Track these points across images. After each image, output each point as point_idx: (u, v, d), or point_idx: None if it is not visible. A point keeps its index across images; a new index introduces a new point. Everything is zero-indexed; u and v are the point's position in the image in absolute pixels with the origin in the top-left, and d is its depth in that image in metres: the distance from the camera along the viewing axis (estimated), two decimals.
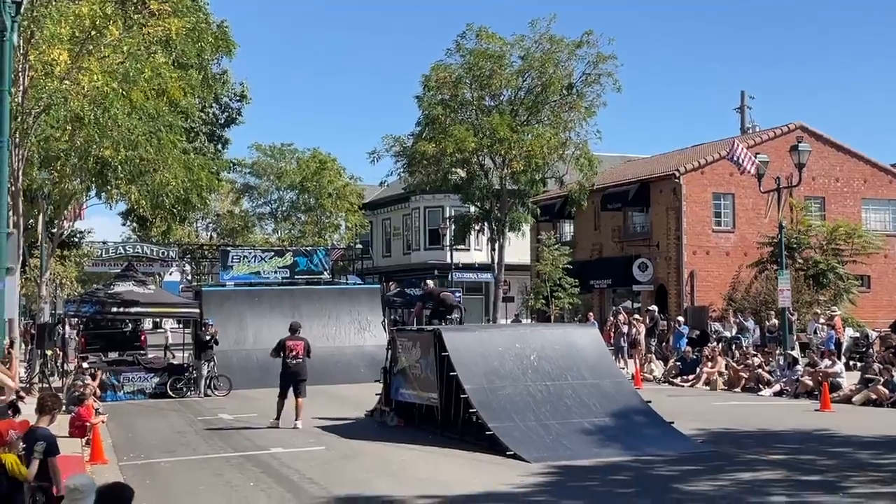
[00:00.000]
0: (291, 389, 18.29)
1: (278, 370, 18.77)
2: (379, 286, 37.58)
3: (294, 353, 18.54)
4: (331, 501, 11.34)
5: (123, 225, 62.45)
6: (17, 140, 19.13)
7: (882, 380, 21.11)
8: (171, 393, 24.90)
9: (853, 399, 21.08)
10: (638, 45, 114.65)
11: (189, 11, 21.05)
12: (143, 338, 35.77)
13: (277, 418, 18.24)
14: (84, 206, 30.14)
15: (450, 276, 50.16)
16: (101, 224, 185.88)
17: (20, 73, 17.78)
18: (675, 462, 13.53)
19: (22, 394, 14.06)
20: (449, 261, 50.42)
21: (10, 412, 11.41)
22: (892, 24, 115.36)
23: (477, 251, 53.13)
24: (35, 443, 8.29)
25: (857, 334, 30.05)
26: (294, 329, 19.16)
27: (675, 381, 27.09)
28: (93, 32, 17.22)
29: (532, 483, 12.19)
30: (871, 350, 27.37)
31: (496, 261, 40.39)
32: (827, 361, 23.21)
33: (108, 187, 24.86)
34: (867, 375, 21.92)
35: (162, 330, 55.62)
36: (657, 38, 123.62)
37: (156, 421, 20.16)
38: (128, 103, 18.77)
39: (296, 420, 18.06)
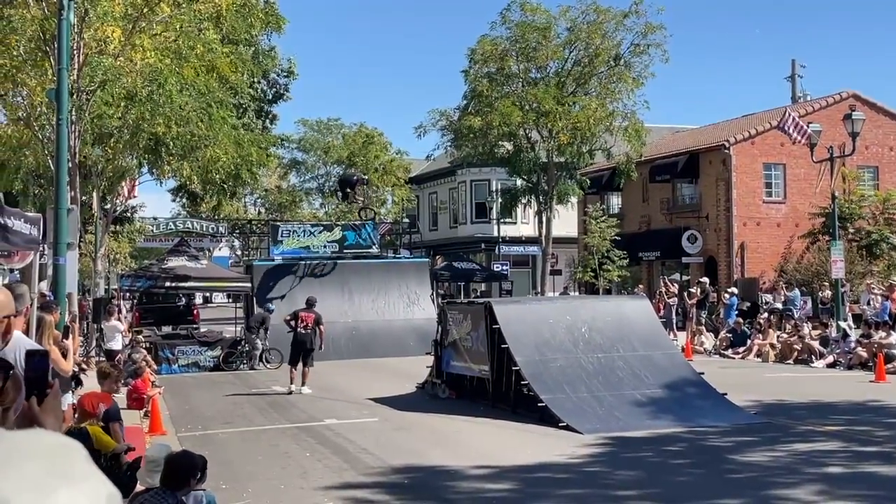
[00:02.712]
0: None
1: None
2: (427, 260, 37.67)
3: (305, 323, 20.00)
4: (387, 471, 11.48)
5: (173, 201, 63.21)
6: (73, 117, 19.44)
7: None
8: (224, 366, 25.27)
9: None
10: (687, 14, 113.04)
11: None
12: (195, 312, 36.23)
13: (291, 383, 19.58)
14: (137, 182, 30.55)
15: (497, 250, 50.18)
16: (152, 200, 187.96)
17: (75, 52, 18.01)
18: (728, 433, 13.50)
19: (84, 367, 14.37)
20: (496, 234, 50.42)
21: (73, 384, 11.67)
22: None
23: (524, 224, 53.02)
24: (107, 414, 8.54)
25: None
26: (310, 303, 20.72)
27: (726, 353, 26.94)
28: (145, 10, 17.38)
29: (586, 454, 12.24)
30: None
31: (543, 234, 40.31)
32: (881, 332, 22.93)
33: (160, 163, 25.15)
34: None
35: (213, 304, 56.30)
36: (706, 6, 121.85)
37: (211, 393, 20.49)
38: (180, 79, 18.95)
39: (301, 386, 19.42)
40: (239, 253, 63.93)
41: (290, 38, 69.73)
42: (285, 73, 40.20)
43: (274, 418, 16.46)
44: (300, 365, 19.61)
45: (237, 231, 44.50)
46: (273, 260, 30.88)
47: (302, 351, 19.75)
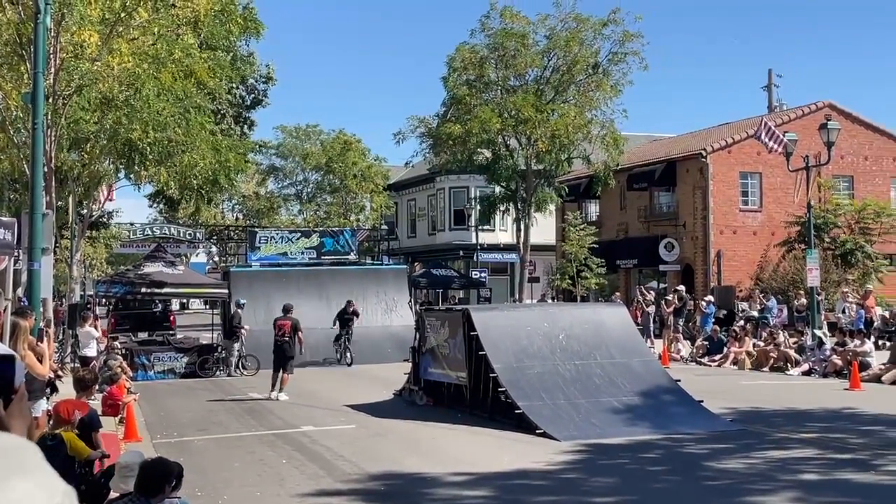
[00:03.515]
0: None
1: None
2: (405, 266, 37.68)
3: (281, 331, 20.21)
4: (364, 478, 11.44)
5: (150, 207, 62.91)
6: (49, 121, 19.30)
7: None
8: (200, 372, 25.16)
9: (882, 378, 21.00)
10: (665, 23, 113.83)
11: None
12: (172, 318, 36.08)
13: (272, 389, 19.72)
14: (113, 187, 30.37)
15: (475, 257, 50.21)
16: (129, 206, 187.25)
17: (51, 56, 17.90)
18: (704, 440, 13.55)
19: (60, 372, 14.26)
20: (474, 241, 50.45)
21: (48, 390, 11.59)
22: None
23: (502, 232, 53.10)
24: (83, 420, 8.49)
25: (886, 313, 29.87)
26: (286, 310, 20.85)
27: (702, 360, 27.07)
28: (122, 14, 17.29)
29: (563, 461, 12.25)
30: None
31: (521, 241, 40.38)
32: (856, 341, 23.10)
33: (137, 169, 25.02)
34: None
35: (189, 311, 56.03)
36: (684, 16, 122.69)
37: (187, 400, 20.39)
38: (157, 84, 18.85)
39: (278, 392, 19.55)
40: (216, 259, 63.76)
41: (269, 45, 69.76)
42: (264, 79, 40.10)
43: (251, 425, 16.39)
44: (281, 371, 19.80)
45: (215, 237, 44.39)
46: (251, 266, 30.82)
47: (280, 358, 19.97)
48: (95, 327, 21.94)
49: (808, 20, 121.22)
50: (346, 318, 27.44)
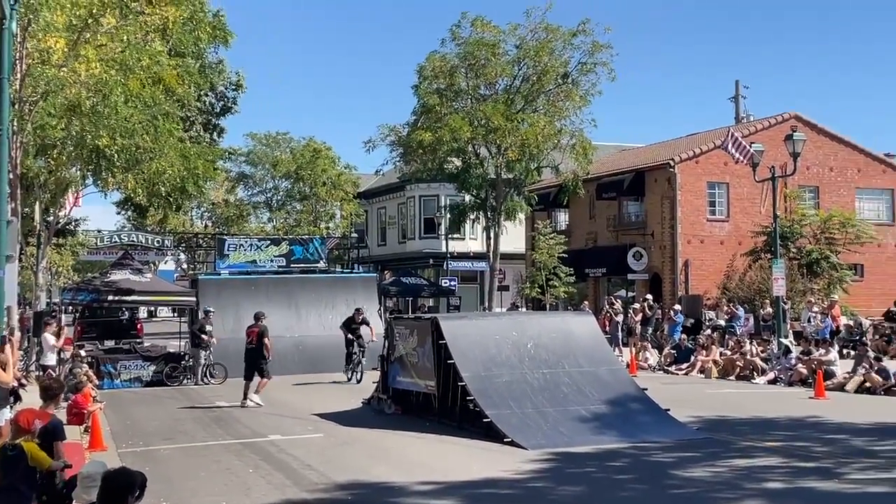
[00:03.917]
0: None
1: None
2: (375, 275, 37.64)
3: (249, 339, 20.49)
4: (330, 488, 11.41)
5: (118, 214, 62.51)
6: (15, 128, 19.14)
7: (875, 367, 21.27)
8: (167, 381, 25.00)
9: (846, 386, 21.23)
10: (633, 34, 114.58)
11: (186, 0, 21.04)
12: (139, 326, 35.79)
13: (244, 398, 19.84)
14: (80, 194, 30.14)
15: (445, 265, 50.24)
16: (96, 213, 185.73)
17: (17, 61, 17.75)
18: (671, 449, 13.64)
19: (24, 381, 14.12)
20: (444, 250, 50.51)
21: (11, 399, 11.47)
22: (886, 12, 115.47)
23: (472, 240, 53.18)
24: (46, 429, 8.40)
25: (851, 323, 30.21)
26: (256, 318, 21.04)
27: (669, 369, 27.24)
28: (89, 21, 17.18)
29: (530, 469, 12.28)
30: (864, 338, 27.53)
31: (491, 249, 40.45)
32: (821, 349, 23.34)
33: (105, 176, 24.84)
34: (860, 363, 22.05)
35: (157, 318, 55.67)
36: (652, 28, 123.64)
37: (153, 408, 20.24)
38: (125, 91, 18.74)
39: (254, 394, 19.80)
40: (185, 266, 63.34)
41: (239, 52, 69.52)
42: (233, 87, 39.96)
43: (217, 434, 16.30)
44: (255, 378, 20.01)
45: (183, 244, 44.06)
46: (219, 274, 30.67)
47: (247, 365, 20.20)
48: (59, 335, 21.72)
49: (775, 32, 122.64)
50: (353, 327, 25.68)
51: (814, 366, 22.23)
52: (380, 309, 32.34)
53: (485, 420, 14.80)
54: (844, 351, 26.85)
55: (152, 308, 54.75)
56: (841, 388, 21.29)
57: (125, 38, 17.47)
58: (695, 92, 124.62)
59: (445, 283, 46.50)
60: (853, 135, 42.96)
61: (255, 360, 20.19)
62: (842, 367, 22.96)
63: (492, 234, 40.52)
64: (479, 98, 39.23)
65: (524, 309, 42.02)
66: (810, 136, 37.10)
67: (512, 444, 13.93)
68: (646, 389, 16.62)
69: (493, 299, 41.48)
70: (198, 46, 23.30)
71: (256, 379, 20.09)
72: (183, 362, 25.76)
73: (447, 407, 16.33)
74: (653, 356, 29.27)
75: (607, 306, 32.58)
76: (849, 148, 41.51)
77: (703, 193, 39.00)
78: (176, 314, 36.43)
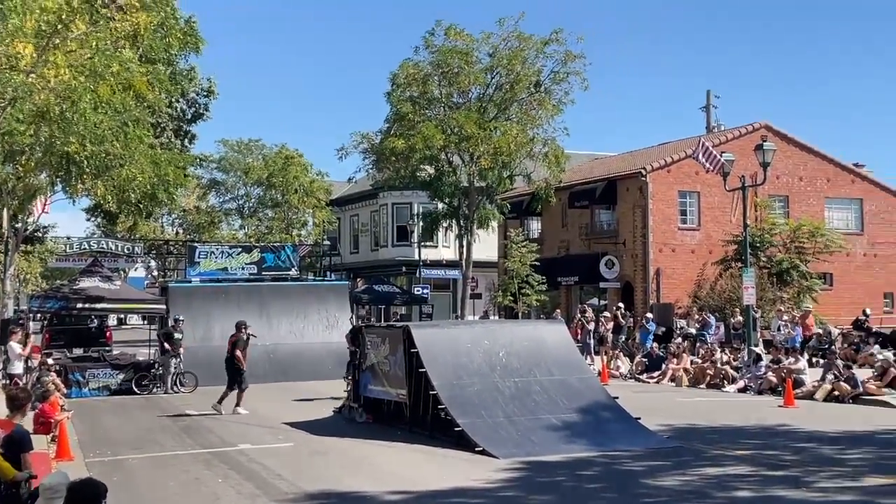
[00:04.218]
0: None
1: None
2: (347, 282, 37.56)
3: (229, 347, 20.59)
4: (300, 498, 11.34)
5: (88, 220, 61.94)
6: None
7: (844, 376, 21.43)
8: (136, 389, 24.79)
9: (816, 395, 21.36)
10: (606, 44, 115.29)
11: (157, 6, 20.90)
12: (108, 334, 35.44)
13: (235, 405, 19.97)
14: (49, 201, 29.83)
15: (417, 273, 50.19)
16: (65, 219, 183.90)
17: None
18: (641, 457, 13.67)
19: None
20: (417, 257, 50.46)
21: None
22: (855, 24, 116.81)
23: (445, 248, 53.20)
24: (11, 439, 8.27)
25: (820, 331, 30.44)
26: (236, 327, 21.07)
27: (641, 377, 27.33)
28: (59, 26, 17.01)
29: (501, 479, 12.26)
30: (833, 347, 27.75)
31: (464, 257, 40.48)
32: (790, 358, 23.50)
33: (74, 182, 24.59)
34: (829, 372, 22.22)
35: (127, 326, 55.18)
36: (624, 37, 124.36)
37: (122, 417, 20.07)
38: (95, 98, 18.57)
39: (235, 406, 19.86)
40: (155, 274, 62.91)
41: (212, 59, 69.22)
42: (205, 93, 39.74)
43: (187, 443, 16.17)
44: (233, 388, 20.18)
45: (153, 252, 43.73)
46: (190, 282, 30.49)
47: (227, 374, 20.37)
48: (25, 343, 21.47)
49: (746, 43, 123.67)
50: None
51: (783, 374, 22.38)
52: (351, 317, 32.27)
53: (456, 429, 14.78)
54: (813, 359, 27.06)
55: (122, 316, 54.34)
56: (810, 396, 21.43)
57: (94, 44, 17.30)
58: (666, 101, 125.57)
59: (418, 290, 46.46)
60: (822, 145, 43.56)
61: (229, 370, 20.28)
62: (811, 376, 23.12)
63: (464, 242, 40.57)
64: (452, 106, 39.29)
65: (495, 317, 42.05)
66: (780, 145, 37.44)
67: (483, 452, 13.91)
68: (617, 398, 16.65)
69: (466, 307, 41.50)
70: (168, 53, 23.15)
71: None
72: (152, 371, 25.55)
73: (419, 415, 16.29)
74: (624, 364, 29.37)
75: (579, 314, 32.66)
76: (818, 158, 41.90)
77: (674, 202, 39.23)
78: (146, 322, 36.10)
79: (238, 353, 20.31)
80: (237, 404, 19.95)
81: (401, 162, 39.52)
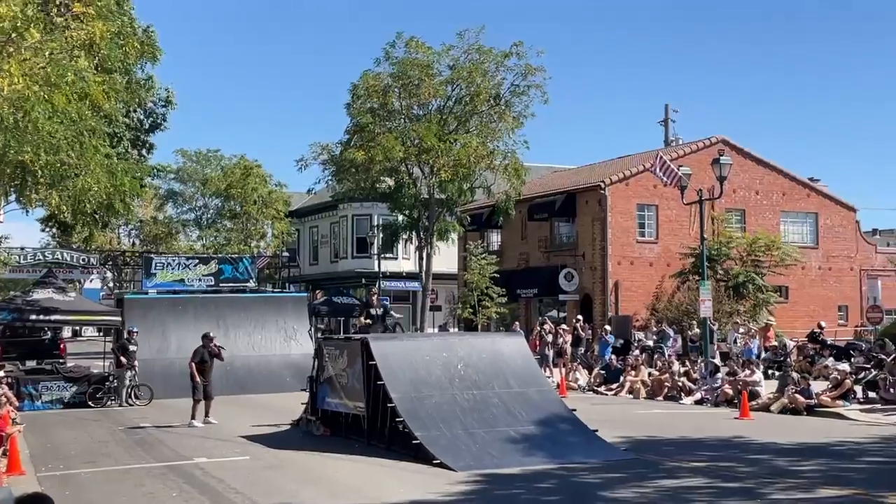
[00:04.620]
0: None
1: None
2: (306, 294, 37.38)
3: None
4: None
5: (43, 231, 61.12)
6: None
7: (799, 388, 21.66)
8: (90, 402, 24.46)
9: (771, 407, 21.57)
10: (566, 57, 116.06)
11: (114, 16, 20.67)
12: (62, 346, 34.95)
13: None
14: (2, 211, 29.40)
15: (377, 285, 50.02)
16: (19, 230, 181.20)
17: None
18: (599, 470, 13.70)
19: None
20: (376, 269, 50.31)
21: None
22: (810, 42, 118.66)
23: (405, 260, 53.13)
24: None
25: (776, 344, 30.76)
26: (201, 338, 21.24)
27: (599, 389, 27.43)
28: (13, 35, 16.78)
29: (458, 492, 12.23)
30: (788, 359, 28.05)
31: (424, 270, 40.44)
32: (746, 370, 23.71)
33: (28, 192, 24.23)
34: (785, 384, 22.45)
35: (82, 338, 54.47)
36: (585, 51, 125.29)
37: (75, 431, 19.78)
38: (49, 107, 18.31)
39: (205, 417, 20.04)
40: (111, 285, 62.16)
41: (172, 69, 68.67)
42: (163, 103, 39.38)
43: (141, 457, 15.97)
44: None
45: (110, 263, 43.28)
46: (146, 293, 30.19)
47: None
48: None
49: (704, 58, 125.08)
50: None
51: (739, 387, 22.57)
52: (310, 329, 32.09)
53: (414, 441, 14.73)
54: (769, 372, 27.34)
55: (77, 328, 53.61)
56: (766, 408, 21.63)
57: (48, 53, 17.07)
58: (626, 115, 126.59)
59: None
60: (779, 159, 43.99)
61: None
62: (767, 388, 23.35)
63: (424, 254, 40.53)
64: (413, 118, 39.28)
65: (454, 329, 42.05)
66: (737, 159, 37.87)
67: (441, 465, 13.88)
68: (574, 410, 16.71)
69: (426, 319, 41.43)
70: (126, 62, 22.90)
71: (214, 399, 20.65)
72: (107, 383, 25.24)
73: (377, 428, 16.23)
74: (583, 377, 29.46)
75: (538, 327, 32.75)
76: (774, 172, 42.42)
77: (632, 215, 39.50)
78: (101, 334, 35.68)
79: (191, 364, 20.30)
80: (192, 416, 19.85)
81: (361, 173, 39.41)
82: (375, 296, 24.28)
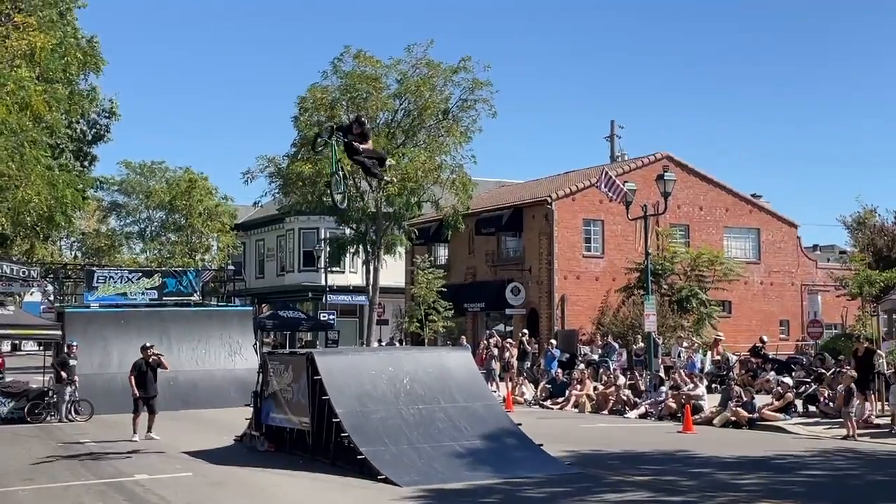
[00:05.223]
0: None
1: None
2: (251, 308, 37.05)
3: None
4: None
5: None
6: None
7: (741, 402, 21.93)
8: (29, 418, 23.98)
9: (714, 421, 21.83)
10: (514, 72, 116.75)
11: (56, 26, 20.43)
12: (0, 360, 34.24)
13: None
14: None
15: (324, 299, 49.82)
16: None
17: None
18: (543, 484, 13.73)
19: None
20: (323, 283, 50.10)
21: None
22: (753, 59, 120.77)
23: (352, 273, 52.97)
24: None
25: (718, 358, 31.12)
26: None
27: (545, 403, 27.54)
28: None
29: None
30: (731, 373, 28.40)
31: (371, 283, 40.32)
32: (690, 384, 23.97)
33: None
34: (728, 398, 22.71)
35: (22, 352, 53.45)
36: (531, 66, 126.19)
37: (13, 447, 19.35)
38: None
39: (147, 432, 19.70)
40: (52, 299, 61.05)
41: (114, 79, 67.87)
42: (107, 114, 38.88)
43: (80, 474, 15.66)
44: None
45: (51, 276, 42.49)
46: (88, 307, 29.74)
47: None
48: None
49: (649, 74, 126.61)
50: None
51: (683, 400, 22.80)
52: (255, 343, 31.81)
53: (359, 457, 14.65)
54: (713, 385, 27.64)
55: (16, 342, 52.57)
56: (709, 422, 21.89)
57: None
58: (572, 130, 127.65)
59: (324, 317, 46.09)
60: (722, 175, 44.62)
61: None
62: (709, 402, 23.61)
63: (371, 268, 40.42)
64: None
65: (398, 343, 41.95)
66: (681, 176, 38.33)
67: (386, 481, 13.81)
68: (520, 424, 16.74)
69: (373, 333, 41.30)
70: (67, 73, 22.63)
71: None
72: (47, 398, 24.76)
73: (321, 444, 16.12)
74: (529, 391, 29.55)
75: (485, 341, 32.79)
76: (718, 188, 43.00)
77: (578, 230, 39.78)
78: (42, 348, 35.04)
79: (130, 377, 20.11)
80: (133, 431, 19.57)
81: (308, 187, 39.23)
82: None
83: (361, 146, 15.16)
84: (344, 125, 16.15)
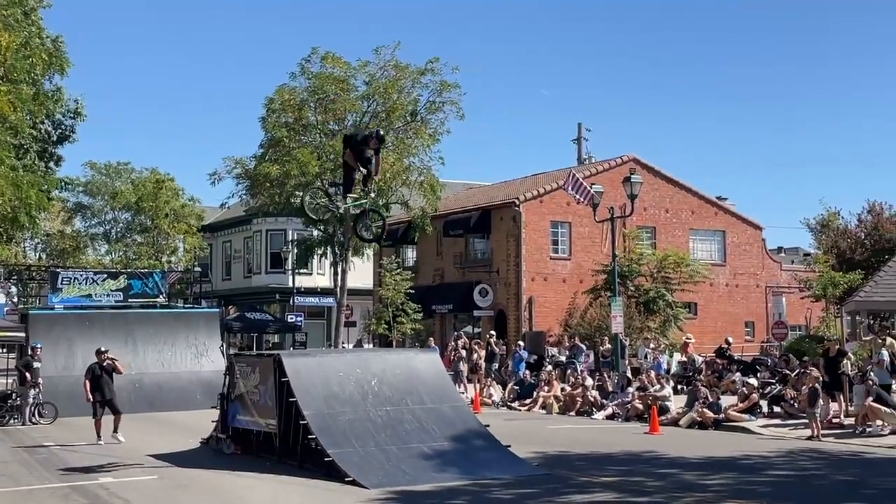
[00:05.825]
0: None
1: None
2: (218, 310, 36.86)
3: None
4: None
5: None
6: None
7: (707, 403, 22.11)
8: None
9: (680, 422, 21.99)
10: (482, 74, 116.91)
11: (21, 25, 20.23)
12: None
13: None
14: None
15: (291, 301, 49.63)
16: None
17: None
18: (511, 485, 13.76)
19: None
20: (291, 285, 49.90)
21: None
22: (719, 62, 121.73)
23: (319, 275, 52.78)
24: None
25: (685, 359, 31.34)
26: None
27: (513, 405, 27.60)
28: None
29: None
30: (698, 374, 28.60)
31: (339, 285, 40.19)
32: (657, 385, 24.12)
33: None
34: (694, 399, 22.88)
35: None
36: (499, 68, 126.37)
37: None
38: None
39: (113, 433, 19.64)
40: (16, 300, 60.37)
41: (82, 80, 67.23)
42: (72, 115, 38.48)
43: (44, 477, 15.51)
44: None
45: (14, 277, 42.04)
46: (52, 308, 29.46)
47: None
48: None
49: (616, 76, 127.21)
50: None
51: (649, 401, 22.95)
52: (222, 345, 31.64)
53: (326, 459, 14.61)
54: (679, 387, 27.82)
55: None
56: (675, 423, 22.04)
57: None
58: (540, 132, 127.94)
59: (291, 318, 45.93)
60: (688, 178, 44.89)
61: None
62: (676, 403, 23.78)
63: (339, 270, 40.30)
64: (329, 133, 39.11)
65: (369, 345, 41.89)
66: (647, 178, 38.57)
67: (353, 483, 13.79)
68: (488, 426, 16.78)
69: (340, 335, 41.18)
70: (32, 73, 22.41)
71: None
72: (10, 401, 24.50)
73: (289, 446, 16.05)
74: (497, 392, 29.61)
75: (453, 342, 32.82)
76: (683, 191, 43.33)
77: (546, 232, 39.92)
78: (5, 350, 34.65)
79: (85, 381, 19.99)
80: (97, 435, 19.45)
81: (275, 188, 39.05)
82: None
83: (369, 152, 15.06)
84: (362, 135, 15.87)
